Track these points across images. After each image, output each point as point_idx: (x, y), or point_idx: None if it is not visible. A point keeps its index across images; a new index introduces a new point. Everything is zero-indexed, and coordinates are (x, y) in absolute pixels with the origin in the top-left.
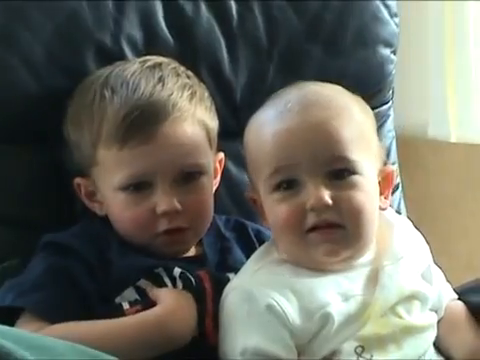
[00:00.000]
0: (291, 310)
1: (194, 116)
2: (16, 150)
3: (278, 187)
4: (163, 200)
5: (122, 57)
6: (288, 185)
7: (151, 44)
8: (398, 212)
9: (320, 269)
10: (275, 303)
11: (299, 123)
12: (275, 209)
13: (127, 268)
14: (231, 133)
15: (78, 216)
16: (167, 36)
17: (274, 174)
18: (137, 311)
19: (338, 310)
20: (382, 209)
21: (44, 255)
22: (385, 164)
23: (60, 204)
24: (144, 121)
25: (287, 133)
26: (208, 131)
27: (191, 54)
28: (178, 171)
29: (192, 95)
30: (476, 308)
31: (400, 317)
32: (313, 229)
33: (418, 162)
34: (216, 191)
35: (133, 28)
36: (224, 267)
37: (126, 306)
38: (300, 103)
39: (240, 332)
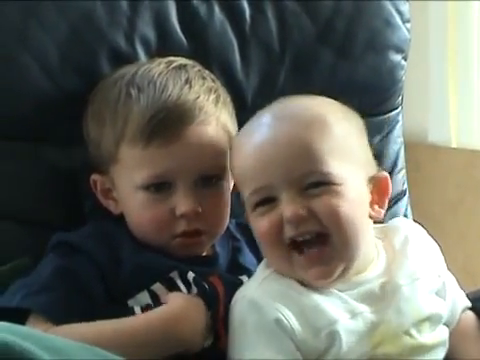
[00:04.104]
0: (298, 326)
1: (218, 120)
2: (27, 148)
3: (258, 204)
4: (183, 202)
5: (135, 58)
6: (267, 201)
7: (164, 45)
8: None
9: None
10: (283, 318)
11: (270, 140)
12: (256, 225)
13: (141, 269)
14: None
15: (87, 215)
16: (180, 37)
17: (253, 194)
18: None
19: (345, 328)
20: (374, 218)
21: (54, 255)
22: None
23: (69, 203)
24: (170, 122)
25: (260, 152)
26: (229, 135)
27: (203, 55)
28: (199, 174)
29: (217, 99)
30: None
31: (412, 337)
32: (298, 247)
33: (418, 167)
34: None
35: (147, 29)
36: (235, 266)
37: (138, 311)
38: (273, 118)
39: (248, 344)
